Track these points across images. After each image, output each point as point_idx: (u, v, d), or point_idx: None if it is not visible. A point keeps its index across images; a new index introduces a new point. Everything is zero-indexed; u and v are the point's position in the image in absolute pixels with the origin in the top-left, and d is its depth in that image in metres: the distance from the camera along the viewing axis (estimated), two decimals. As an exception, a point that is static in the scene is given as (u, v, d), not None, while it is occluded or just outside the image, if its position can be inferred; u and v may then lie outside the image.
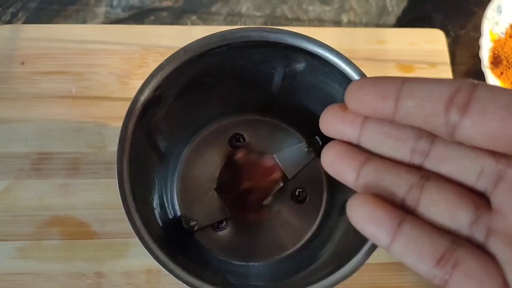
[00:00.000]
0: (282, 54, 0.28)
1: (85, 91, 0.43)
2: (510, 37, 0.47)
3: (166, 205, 0.34)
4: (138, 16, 0.49)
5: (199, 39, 0.27)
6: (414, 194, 0.19)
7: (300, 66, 0.29)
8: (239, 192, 0.33)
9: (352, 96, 0.19)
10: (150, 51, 0.45)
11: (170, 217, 0.34)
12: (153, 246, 0.23)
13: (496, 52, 0.46)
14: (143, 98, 0.25)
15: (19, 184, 0.40)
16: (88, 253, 0.39)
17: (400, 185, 0.19)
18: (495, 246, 0.17)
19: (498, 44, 0.46)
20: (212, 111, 0.35)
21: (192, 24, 0.49)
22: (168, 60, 0.26)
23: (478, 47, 0.45)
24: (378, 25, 0.49)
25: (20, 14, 0.48)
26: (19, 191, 0.40)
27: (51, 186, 0.40)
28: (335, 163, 0.21)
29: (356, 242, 0.26)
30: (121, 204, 0.39)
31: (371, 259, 0.37)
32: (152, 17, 0.49)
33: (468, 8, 0.51)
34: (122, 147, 0.24)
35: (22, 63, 0.44)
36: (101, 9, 0.49)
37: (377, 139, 0.20)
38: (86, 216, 0.40)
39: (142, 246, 0.38)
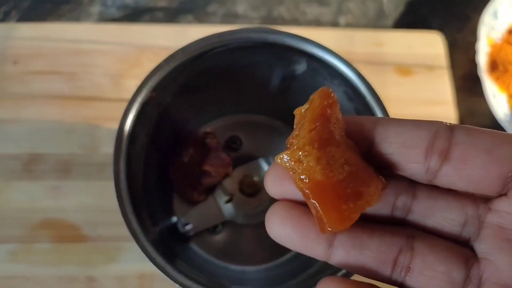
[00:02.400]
0: (281, 56, 0.28)
1: (78, 91, 0.42)
2: (506, 42, 0.47)
3: (163, 209, 0.34)
4: (133, 16, 0.48)
5: (198, 39, 0.26)
6: (405, 258, 0.17)
7: (299, 67, 0.29)
8: (197, 171, 0.33)
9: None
10: (144, 51, 0.44)
11: (167, 221, 0.34)
12: (150, 249, 0.23)
13: (492, 57, 0.46)
14: (140, 98, 0.25)
15: (10, 186, 0.39)
16: (79, 257, 0.38)
17: (387, 251, 0.17)
18: None
19: (495, 49, 0.46)
20: (209, 112, 0.35)
21: (188, 24, 0.48)
22: (167, 61, 0.25)
23: (474, 51, 0.45)
24: (375, 28, 0.49)
25: (13, 13, 0.47)
26: (10, 193, 0.39)
27: (42, 188, 0.40)
28: (294, 234, 0.17)
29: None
30: (114, 207, 0.38)
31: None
32: (147, 17, 0.48)
33: (464, 13, 0.51)
34: (119, 148, 0.24)
35: (14, 62, 0.43)
36: (95, 9, 0.48)
37: None
38: (77, 219, 0.39)
39: (136, 250, 0.37)
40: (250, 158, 0.35)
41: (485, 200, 0.17)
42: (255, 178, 0.33)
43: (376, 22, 0.50)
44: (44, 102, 0.42)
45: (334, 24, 0.49)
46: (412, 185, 0.18)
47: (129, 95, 0.42)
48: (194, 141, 0.32)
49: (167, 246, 0.28)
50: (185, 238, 0.33)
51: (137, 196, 0.25)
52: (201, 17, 0.49)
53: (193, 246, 0.34)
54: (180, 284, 0.23)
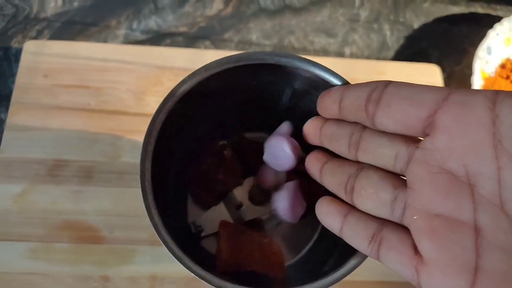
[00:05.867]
0: (291, 77, 0.31)
1: (103, 105, 0.46)
2: (499, 76, 0.50)
3: (178, 210, 0.37)
4: (155, 39, 0.52)
5: (218, 59, 0.30)
6: (351, 182, 0.24)
7: (306, 88, 0.32)
8: (213, 179, 0.36)
9: (318, 104, 0.27)
10: (165, 71, 0.48)
11: (181, 221, 0.37)
12: (169, 241, 0.26)
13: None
14: (166, 108, 0.28)
15: (35, 188, 0.43)
16: (95, 257, 0.41)
17: (342, 175, 0.25)
18: (408, 219, 0.21)
19: (489, 82, 0.50)
20: (223, 127, 0.38)
21: (206, 48, 0.52)
22: (190, 76, 0.29)
23: (470, 84, 0.48)
24: (378, 59, 0.53)
25: (45, 32, 0.52)
26: (34, 194, 0.42)
27: (64, 191, 0.43)
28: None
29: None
30: (131, 212, 0.41)
31: (364, 277, 0.39)
32: (168, 41, 0.52)
33: (462, 47, 0.55)
34: (146, 150, 0.27)
35: (45, 76, 0.47)
36: (121, 31, 0.52)
37: (328, 137, 0.26)
38: (96, 222, 0.42)
39: (149, 253, 0.40)
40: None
41: (415, 140, 0.22)
42: (263, 188, 0.36)
43: (379, 53, 0.53)
44: (71, 113, 0.45)
45: (340, 54, 0.53)
46: (362, 128, 0.24)
47: (150, 110, 0.46)
48: (214, 151, 0.36)
49: (180, 244, 0.31)
50: (196, 239, 0.36)
51: (158, 194, 0.28)
52: (217, 43, 0.53)
53: (204, 248, 0.37)
54: (195, 273, 0.26)
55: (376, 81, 0.23)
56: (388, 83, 0.22)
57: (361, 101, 0.23)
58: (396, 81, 0.22)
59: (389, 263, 0.22)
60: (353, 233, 0.24)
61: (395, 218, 0.22)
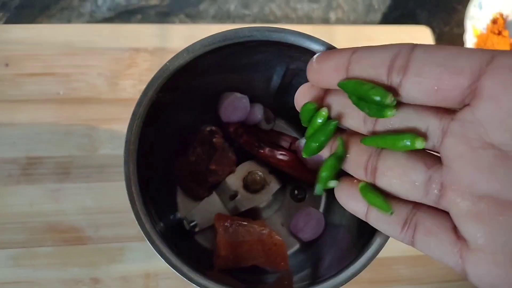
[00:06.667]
0: (284, 54, 0.28)
1: (74, 93, 0.42)
2: (491, 32, 0.48)
3: (167, 205, 0.34)
4: (125, 15, 0.48)
5: (202, 39, 0.26)
6: (373, 161, 0.21)
7: (301, 66, 0.29)
8: (204, 170, 0.33)
9: (311, 73, 0.21)
10: (139, 50, 0.44)
11: (171, 217, 0.34)
12: (157, 240, 0.23)
13: (479, 47, 0.47)
14: (147, 99, 0.25)
15: (8, 190, 0.39)
16: (83, 259, 0.38)
17: (361, 153, 0.21)
18: (447, 202, 0.19)
19: (481, 39, 0.48)
20: (212, 111, 0.35)
21: (181, 22, 0.48)
22: (172, 61, 0.26)
23: (461, 43, 0.46)
24: (365, 22, 0.50)
25: (0, 13, 0.47)
26: (9, 197, 0.39)
27: (43, 191, 0.39)
28: None
29: (358, 246, 0.26)
30: (115, 208, 0.39)
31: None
32: (139, 16, 0.48)
33: (450, 5, 0.52)
34: (128, 150, 0.24)
35: (6, 65, 0.42)
36: (86, 9, 0.48)
37: (337, 111, 0.22)
38: (79, 221, 0.39)
39: (140, 249, 0.38)
40: (252, 155, 0.35)
41: (448, 111, 0.19)
42: (259, 175, 0.34)
43: (365, 17, 0.50)
44: (39, 104, 0.42)
45: (325, 20, 0.50)
46: None
47: (125, 95, 0.42)
48: (201, 140, 0.33)
49: (171, 241, 0.28)
50: (190, 235, 0.34)
51: (144, 189, 0.26)
52: (193, 16, 0.49)
53: (199, 244, 0.34)
54: (186, 276, 0.24)
55: (396, 44, 0.19)
56: (413, 47, 0.18)
57: (381, 69, 0.19)
58: (423, 44, 0.18)
59: (428, 250, 0.19)
60: (381, 218, 0.21)
61: (430, 201, 0.19)
